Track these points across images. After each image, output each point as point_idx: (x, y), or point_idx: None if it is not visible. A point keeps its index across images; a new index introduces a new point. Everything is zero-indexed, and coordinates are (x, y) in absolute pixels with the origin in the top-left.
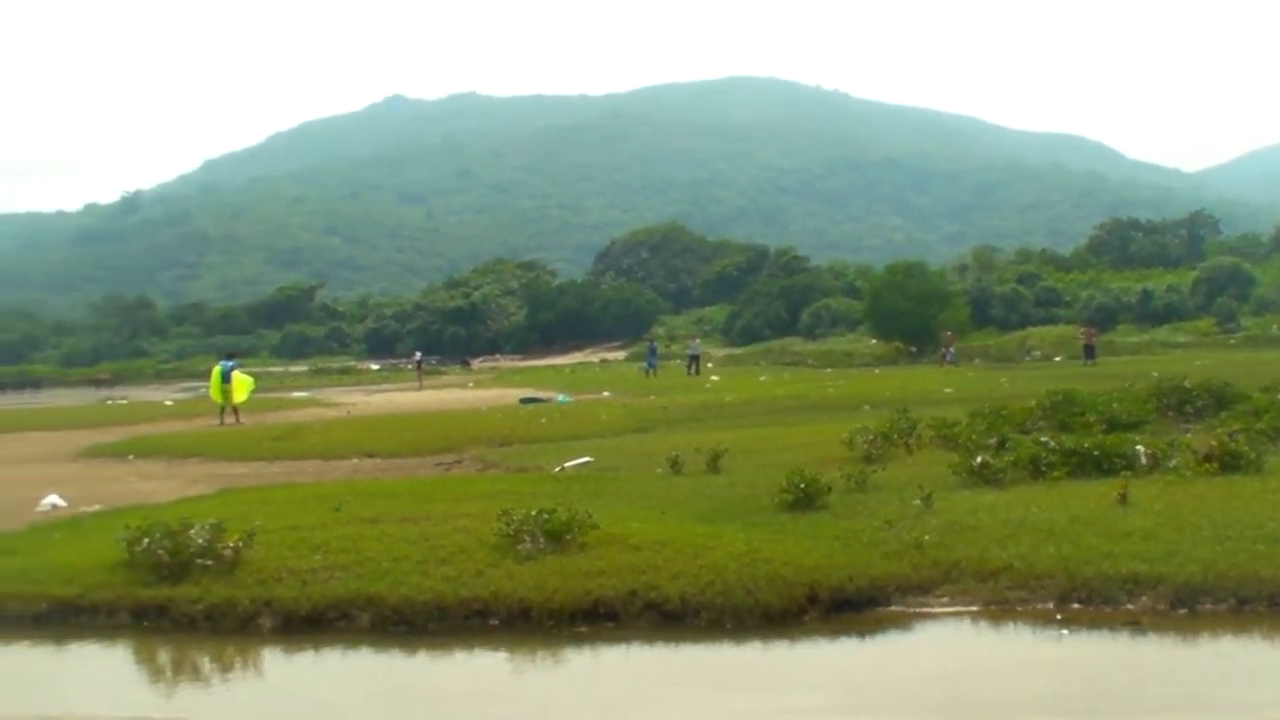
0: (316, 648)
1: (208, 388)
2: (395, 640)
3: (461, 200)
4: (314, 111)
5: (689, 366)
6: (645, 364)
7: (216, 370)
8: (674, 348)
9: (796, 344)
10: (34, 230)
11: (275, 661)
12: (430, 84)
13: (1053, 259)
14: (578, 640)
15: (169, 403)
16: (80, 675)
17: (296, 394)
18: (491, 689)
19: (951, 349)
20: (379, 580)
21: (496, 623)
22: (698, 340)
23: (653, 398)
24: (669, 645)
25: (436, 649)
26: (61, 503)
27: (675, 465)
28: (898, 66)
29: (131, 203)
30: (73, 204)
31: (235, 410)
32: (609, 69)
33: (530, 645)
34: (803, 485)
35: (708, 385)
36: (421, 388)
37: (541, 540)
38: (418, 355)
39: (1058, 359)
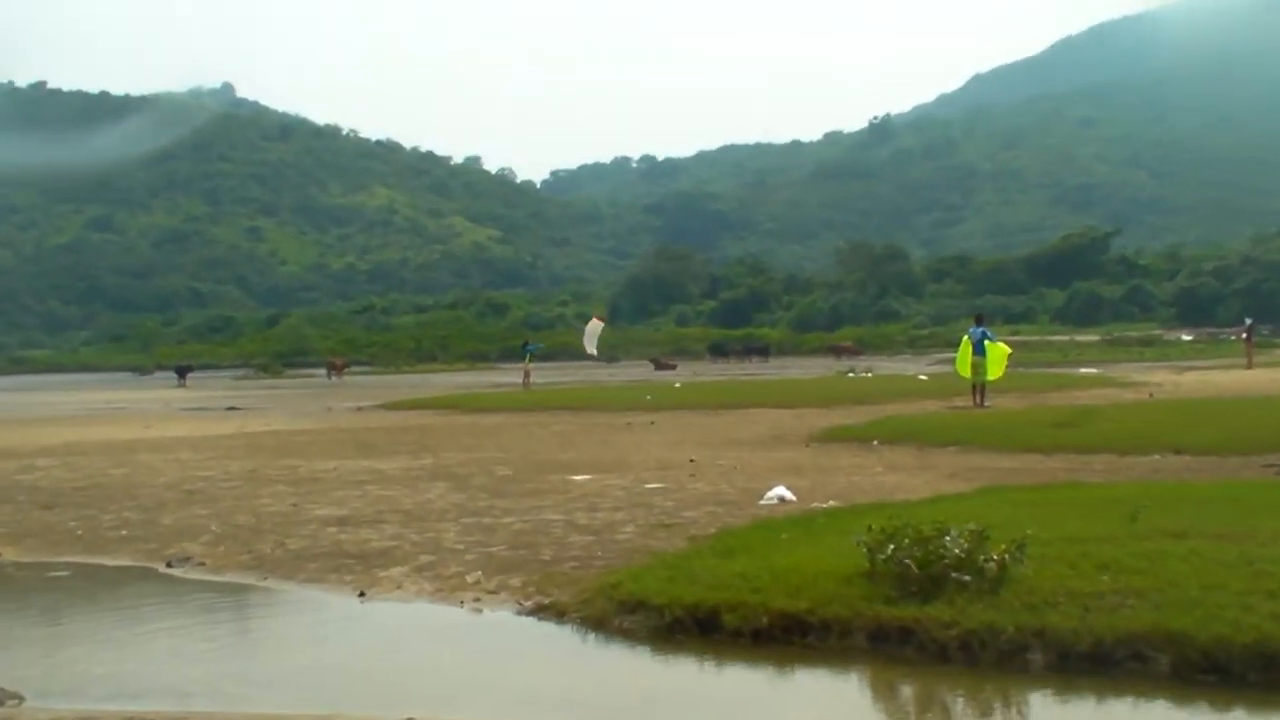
0: (1099, 695)
1: (955, 360)
2: (1203, 692)
3: None
4: (1110, 9)
5: None
6: None
7: (965, 340)
8: None
9: None
10: (762, 163)
11: (1049, 711)
12: None
13: None
14: None
15: (923, 377)
16: (808, 711)
17: (1084, 370)
18: None
19: None
20: (1185, 613)
21: None
22: None
23: None
24: None
25: (1256, 708)
26: (790, 496)
27: None
28: None
29: (881, 130)
30: (811, 132)
31: (983, 388)
32: None
33: None
34: None
35: None
36: (1251, 365)
37: None
38: (1247, 323)
39: None
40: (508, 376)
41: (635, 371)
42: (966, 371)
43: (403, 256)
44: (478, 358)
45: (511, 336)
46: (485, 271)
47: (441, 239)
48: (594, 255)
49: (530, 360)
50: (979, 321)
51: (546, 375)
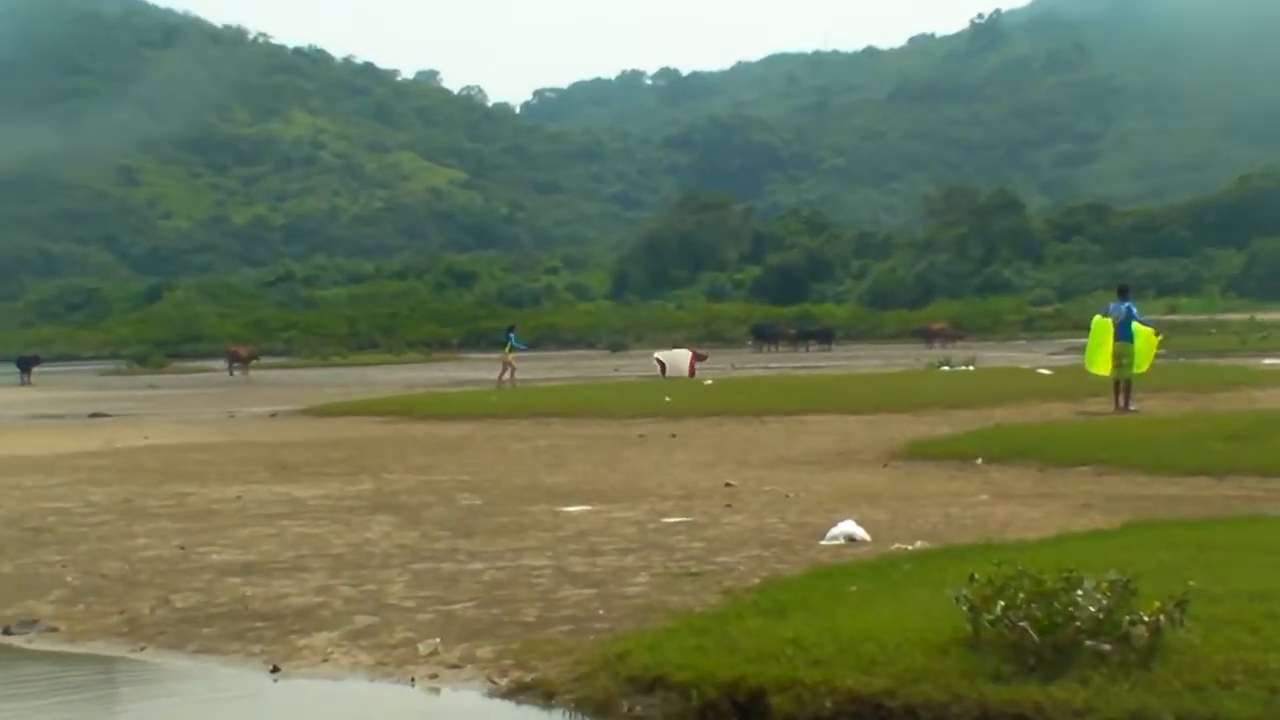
0: None
1: (1085, 349)
2: None
3: None
4: None
5: None
6: None
7: (1100, 321)
8: None
9: None
10: (825, 79)
11: None
12: None
13: None
14: None
15: (1044, 371)
16: None
17: (1269, 361)
18: None
19: None
20: None
21: None
22: None
23: None
24: None
25: None
26: (862, 534)
27: None
28: None
29: (988, 33)
30: (891, 36)
31: (1128, 386)
32: None
33: None
34: None
35: None
36: None
37: None
38: None
39: None
40: (478, 371)
41: (651, 364)
42: (1102, 366)
43: (332, 207)
44: (435, 345)
45: (482, 316)
46: (445, 227)
47: (385, 183)
48: (594, 205)
49: (511, 351)
50: (1123, 295)
51: (533, 369)
